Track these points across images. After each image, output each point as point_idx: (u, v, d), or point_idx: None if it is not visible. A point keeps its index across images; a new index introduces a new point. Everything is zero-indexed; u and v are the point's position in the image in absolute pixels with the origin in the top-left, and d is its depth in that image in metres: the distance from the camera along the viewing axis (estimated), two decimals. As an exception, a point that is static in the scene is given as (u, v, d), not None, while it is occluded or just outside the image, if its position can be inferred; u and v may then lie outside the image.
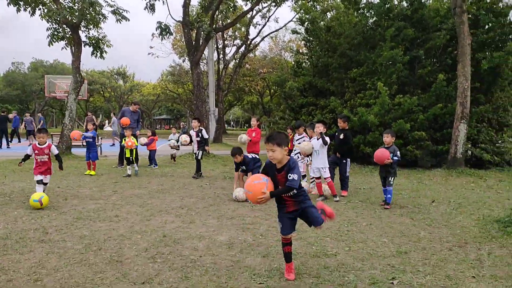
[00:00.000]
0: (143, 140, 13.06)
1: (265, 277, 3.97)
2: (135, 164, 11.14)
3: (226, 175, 11.39)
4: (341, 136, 8.75)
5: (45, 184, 7.27)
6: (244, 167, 8.10)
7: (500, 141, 13.97)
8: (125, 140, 11.07)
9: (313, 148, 8.08)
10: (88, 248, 4.79)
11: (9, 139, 22.21)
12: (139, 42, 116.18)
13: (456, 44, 13.24)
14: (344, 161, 8.71)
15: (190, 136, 11.32)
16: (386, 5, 14.48)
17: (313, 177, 8.55)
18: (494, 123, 14.33)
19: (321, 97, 15.86)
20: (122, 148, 12.89)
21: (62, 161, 7.68)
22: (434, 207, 7.50)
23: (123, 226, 5.77)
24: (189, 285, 3.79)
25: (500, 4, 13.70)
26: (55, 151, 7.42)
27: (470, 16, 13.32)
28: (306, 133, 9.15)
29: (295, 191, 3.86)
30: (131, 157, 10.97)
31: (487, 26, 13.94)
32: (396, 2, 15.35)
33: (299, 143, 8.71)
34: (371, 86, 13.89)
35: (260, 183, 3.76)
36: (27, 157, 7.37)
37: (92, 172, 11.09)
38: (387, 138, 7.53)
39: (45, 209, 6.75)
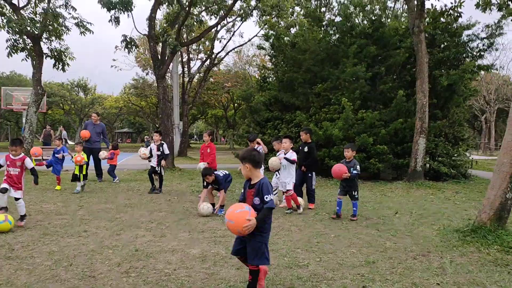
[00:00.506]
0: (103, 154, 12.66)
1: (240, 289, 4.04)
2: (83, 182, 10.57)
3: (194, 189, 11.37)
4: (306, 149, 8.89)
5: (16, 199, 6.64)
6: (216, 186, 8.09)
7: (456, 155, 14.68)
8: (74, 156, 10.64)
9: (281, 162, 8.25)
10: (58, 264, 4.70)
11: None
12: (101, 54, 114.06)
13: (414, 62, 13.88)
14: (310, 174, 8.87)
15: (151, 150, 10.84)
16: (348, 23, 15.02)
17: (276, 189, 8.71)
18: (450, 137, 15.06)
19: (286, 111, 16.17)
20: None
21: (37, 176, 7.16)
22: (398, 218, 7.80)
23: (93, 241, 5.68)
24: (165, 298, 3.80)
25: (455, 25, 14.52)
26: (29, 164, 6.79)
27: (427, 35, 14.02)
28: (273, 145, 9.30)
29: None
30: (79, 174, 10.44)
31: (442, 45, 14.74)
32: (358, 21, 15.96)
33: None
34: (335, 101, 14.30)
35: (242, 211, 3.67)
36: None
37: (58, 187, 10.82)
38: (348, 153, 7.74)
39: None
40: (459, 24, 14.56)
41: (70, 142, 25.14)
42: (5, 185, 6.62)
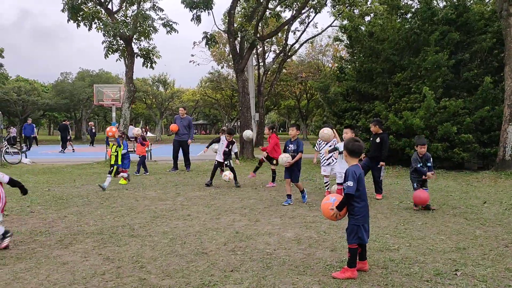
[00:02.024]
0: (137, 130, 12.65)
1: (338, 268, 4.43)
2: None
3: (277, 178, 11.83)
4: (377, 140, 8.71)
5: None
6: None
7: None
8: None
9: (339, 151, 7.96)
10: (173, 242, 5.40)
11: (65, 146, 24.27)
12: (176, 49, 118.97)
13: (502, 47, 13.29)
14: (378, 165, 8.65)
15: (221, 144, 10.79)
16: (430, 10, 14.67)
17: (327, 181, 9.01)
18: (542, 125, 14.20)
19: (365, 101, 16.17)
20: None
21: (21, 185, 5.46)
22: (486, 207, 7.74)
23: (197, 224, 6.37)
24: (272, 272, 4.31)
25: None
26: (4, 179, 5.25)
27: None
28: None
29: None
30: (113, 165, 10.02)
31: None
32: (441, 6, 15.51)
33: (330, 146, 8.62)
34: (416, 90, 14.10)
35: (326, 202, 4.43)
36: None
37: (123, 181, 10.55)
38: (423, 149, 7.58)
39: (123, 208, 7.48)
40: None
41: (150, 134, 26.80)
42: None
